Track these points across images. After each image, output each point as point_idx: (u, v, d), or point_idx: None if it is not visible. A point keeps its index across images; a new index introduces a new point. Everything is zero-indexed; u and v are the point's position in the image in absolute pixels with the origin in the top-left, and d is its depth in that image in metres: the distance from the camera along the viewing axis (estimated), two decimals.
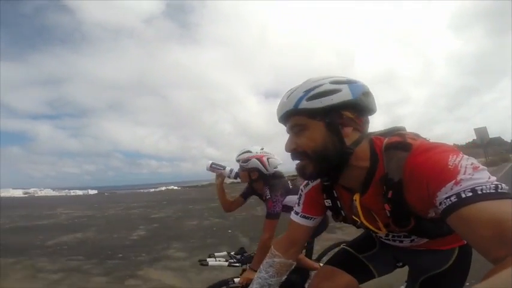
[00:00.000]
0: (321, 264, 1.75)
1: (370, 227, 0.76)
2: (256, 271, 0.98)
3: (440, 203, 0.54)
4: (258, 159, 1.70)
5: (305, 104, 0.65)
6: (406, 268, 1.01)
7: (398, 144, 0.65)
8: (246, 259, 1.63)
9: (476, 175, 0.51)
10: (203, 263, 1.62)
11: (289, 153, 0.72)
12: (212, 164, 1.88)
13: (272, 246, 0.93)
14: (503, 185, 0.50)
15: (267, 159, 1.71)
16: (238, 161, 1.76)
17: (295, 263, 0.93)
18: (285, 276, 0.93)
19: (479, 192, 0.49)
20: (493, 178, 0.52)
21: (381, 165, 0.67)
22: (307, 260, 1.81)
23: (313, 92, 0.65)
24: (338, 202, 0.81)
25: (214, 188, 1.96)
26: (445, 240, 0.83)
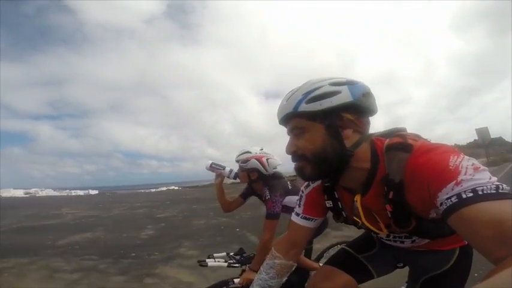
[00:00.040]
0: (320, 264, 1.75)
1: (372, 227, 0.76)
2: (256, 272, 0.97)
3: (441, 204, 0.54)
4: (257, 159, 1.70)
5: (304, 107, 0.65)
6: (407, 269, 1.01)
7: (399, 145, 0.65)
8: (245, 260, 1.63)
9: (477, 176, 0.52)
10: (202, 264, 1.61)
11: (290, 156, 0.72)
12: (212, 164, 1.88)
13: (272, 248, 0.93)
14: (504, 185, 0.50)
15: (267, 159, 1.71)
16: (237, 161, 1.76)
17: (295, 265, 0.93)
18: (286, 278, 0.93)
19: (480, 193, 0.49)
20: (494, 178, 0.52)
21: (381, 166, 0.67)
22: (306, 260, 1.81)
23: (312, 95, 0.65)
24: (339, 203, 0.81)
25: (214, 188, 1.97)
26: (445, 241, 0.82)
